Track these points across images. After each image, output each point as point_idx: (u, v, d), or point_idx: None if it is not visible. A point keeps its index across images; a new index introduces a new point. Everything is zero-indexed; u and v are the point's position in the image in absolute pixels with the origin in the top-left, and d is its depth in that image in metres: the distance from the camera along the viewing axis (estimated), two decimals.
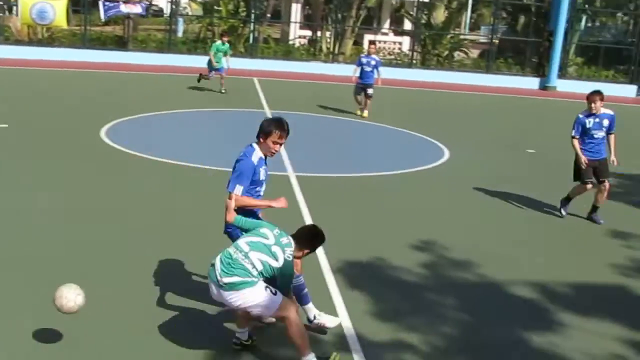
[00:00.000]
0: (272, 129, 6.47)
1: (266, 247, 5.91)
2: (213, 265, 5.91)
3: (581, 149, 11.11)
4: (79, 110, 18.01)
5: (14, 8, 31.88)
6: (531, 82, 31.35)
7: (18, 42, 30.32)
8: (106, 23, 40.41)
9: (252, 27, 31.87)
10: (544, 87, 30.90)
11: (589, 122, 11.07)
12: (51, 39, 30.91)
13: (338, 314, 7.28)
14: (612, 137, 11.28)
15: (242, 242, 5.97)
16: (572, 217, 11.44)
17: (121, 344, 6.34)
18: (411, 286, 8.27)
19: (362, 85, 19.57)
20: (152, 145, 14.42)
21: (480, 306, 7.87)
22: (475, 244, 9.81)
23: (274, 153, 6.58)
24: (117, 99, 20.36)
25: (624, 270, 9.27)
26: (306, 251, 6.19)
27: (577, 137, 11.13)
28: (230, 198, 6.43)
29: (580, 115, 11.16)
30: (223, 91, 22.28)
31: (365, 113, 19.60)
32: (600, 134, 11.11)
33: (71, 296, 5.90)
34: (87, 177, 11.84)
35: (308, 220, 10.12)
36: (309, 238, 6.18)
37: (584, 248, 10.24)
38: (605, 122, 11.11)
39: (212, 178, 12.08)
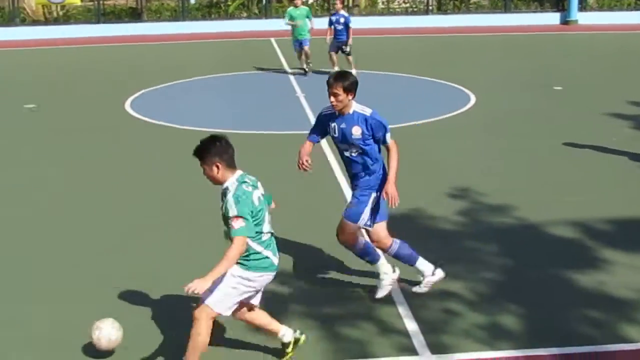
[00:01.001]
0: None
1: None
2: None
3: None
4: (101, 85, 18.04)
5: None
6: (552, 18, 30.75)
7: (35, 22, 30.35)
8: None
9: None
10: (565, 21, 30.31)
11: None
12: (66, 16, 30.89)
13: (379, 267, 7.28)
14: None
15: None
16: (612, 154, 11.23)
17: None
18: (449, 234, 8.25)
19: (337, 44, 18.27)
20: (176, 114, 14.43)
21: (521, 249, 7.83)
22: (512, 188, 9.73)
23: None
24: (137, 71, 20.37)
25: None
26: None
27: None
28: None
29: None
30: (306, 69, 18.73)
31: (353, 71, 18.00)
32: None
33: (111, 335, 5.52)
34: (116, 149, 11.89)
35: (340, 178, 10.12)
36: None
37: (625, 183, 10.08)
38: None
39: (239, 143, 12.05)
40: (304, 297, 6.70)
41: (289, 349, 5.64)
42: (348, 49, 18.21)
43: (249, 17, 31.20)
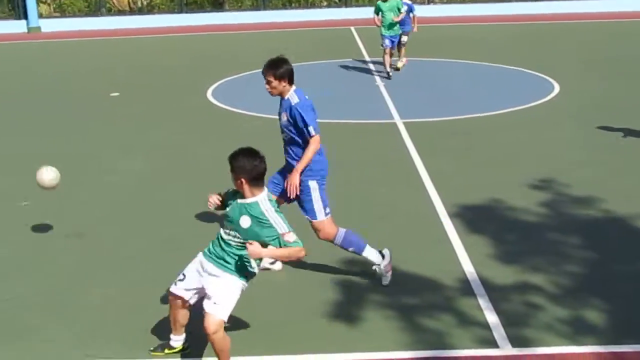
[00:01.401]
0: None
1: None
2: None
3: None
4: (184, 74, 18.34)
5: None
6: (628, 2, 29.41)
7: (120, 12, 31.08)
8: None
9: None
10: None
11: None
12: (150, 6, 31.51)
13: (459, 258, 7.23)
14: None
15: None
16: None
17: None
18: (531, 226, 8.10)
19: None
20: (256, 102, 14.55)
21: (606, 242, 7.64)
22: (596, 179, 9.49)
23: None
24: (219, 59, 20.63)
25: None
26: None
27: None
28: None
29: None
30: (391, 71, 16.61)
31: (400, 63, 17.54)
32: None
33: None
34: (197, 137, 12.08)
35: (420, 167, 10.06)
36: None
37: None
38: None
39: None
40: (382, 286, 6.68)
41: (169, 351, 5.71)
42: (405, 39, 17.11)
43: (329, 6, 31.22)
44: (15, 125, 13.46)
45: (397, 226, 8.12)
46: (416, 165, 10.16)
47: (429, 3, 30.49)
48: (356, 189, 9.34)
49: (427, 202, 8.80)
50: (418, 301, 6.44)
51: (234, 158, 5.26)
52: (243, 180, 5.20)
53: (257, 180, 5.24)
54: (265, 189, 5.36)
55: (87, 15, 30.27)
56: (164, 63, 20.44)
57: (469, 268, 7.00)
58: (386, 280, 6.66)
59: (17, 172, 10.50)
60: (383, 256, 6.65)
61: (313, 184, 6.56)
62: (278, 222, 5.22)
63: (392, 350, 5.71)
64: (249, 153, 5.24)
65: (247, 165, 5.19)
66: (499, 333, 5.85)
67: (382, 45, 16.32)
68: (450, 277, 6.82)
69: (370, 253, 6.62)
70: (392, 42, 16.34)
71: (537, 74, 16.47)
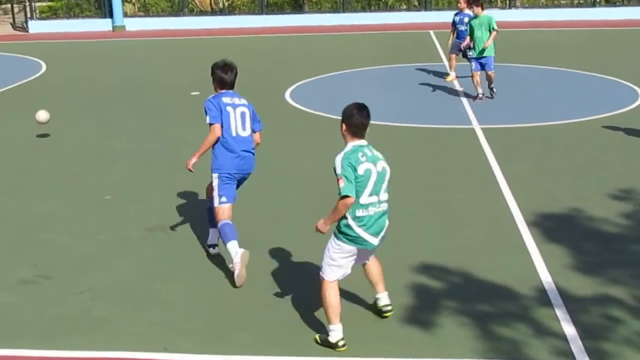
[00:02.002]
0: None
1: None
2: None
3: None
4: (263, 74, 18.53)
5: None
6: None
7: (202, 12, 31.60)
8: None
9: None
10: None
11: None
12: (231, 7, 31.93)
13: (536, 267, 7.14)
14: None
15: None
16: None
17: None
18: (612, 237, 7.93)
19: (458, 45, 16.26)
20: (337, 104, 14.56)
21: None
22: None
23: None
24: (297, 61, 20.77)
25: None
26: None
27: None
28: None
29: None
30: (483, 97, 14.50)
31: (450, 77, 16.68)
32: None
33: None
34: (274, 138, 12.19)
35: (498, 174, 9.95)
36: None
37: None
38: None
39: (396, 135, 12.12)
40: (457, 293, 6.65)
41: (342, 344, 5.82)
42: (471, 52, 15.60)
43: (408, 9, 31.09)
44: (99, 122, 13.83)
45: (474, 232, 8.05)
46: (494, 171, 10.05)
47: (510, 7, 30.09)
48: (433, 194, 9.30)
49: (505, 209, 8.70)
50: (493, 309, 6.39)
51: (346, 107, 5.83)
52: (345, 126, 5.72)
53: (357, 130, 5.70)
54: (360, 141, 5.74)
55: (170, 14, 30.87)
56: (243, 63, 20.58)
57: (546, 277, 6.90)
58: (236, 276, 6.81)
59: (101, 167, 10.82)
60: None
61: (214, 176, 7.33)
62: (337, 165, 5.63)
63: (466, 357, 5.67)
64: (357, 105, 5.79)
65: (352, 114, 5.71)
66: (576, 345, 5.75)
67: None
68: (527, 285, 6.74)
69: (231, 247, 6.92)
70: (482, 65, 14.42)
71: (620, 80, 16.06)
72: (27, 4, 31.12)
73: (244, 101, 7.92)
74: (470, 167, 10.41)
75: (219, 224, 7.20)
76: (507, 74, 17.82)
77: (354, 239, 5.69)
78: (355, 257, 5.83)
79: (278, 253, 7.65)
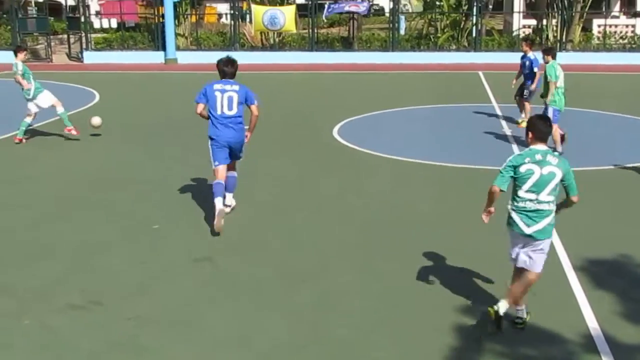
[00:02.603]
0: None
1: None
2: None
3: None
4: (312, 109, 18.72)
5: (247, 17, 33.78)
6: None
7: (253, 48, 32.07)
8: (331, 25, 41.76)
9: (474, 20, 31.44)
10: None
11: None
12: (282, 43, 32.37)
13: (583, 313, 7.04)
14: None
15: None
16: None
17: None
18: None
19: (521, 87, 16.32)
20: (383, 142, 14.67)
21: None
22: None
23: None
24: (346, 97, 20.94)
25: None
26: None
27: None
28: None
29: None
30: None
31: (521, 120, 16.16)
32: None
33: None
34: (320, 173, 12.29)
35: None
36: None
37: None
38: None
39: (442, 174, 12.12)
40: (502, 336, 6.58)
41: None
42: (527, 93, 15.98)
43: (457, 50, 31.20)
44: (150, 151, 14.07)
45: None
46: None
47: (561, 50, 29.99)
48: (480, 236, 9.25)
49: (552, 252, 8.60)
50: (538, 353, 6.31)
51: (530, 118, 6.94)
52: (529, 133, 6.59)
53: (540, 135, 6.59)
54: (538, 145, 6.57)
55: (221, 49, 31.38)
56: (292, 98, 20.94)
57: (593, 324, 6.80)
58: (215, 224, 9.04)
59: (150, 196, 10.99)
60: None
61: (209, 143, 9.57)
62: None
63: None
64: (538, 115, 6.91)
65: (536, 125, 6.61)
66: None
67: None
68: (574, 331, 6.65)
69: (216, 202, 9.20)
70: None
71: None
72: (83, 35, 31.93)
73: (235, 87, 9.81)
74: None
75: (214, 182, 9.44)
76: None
77: (509, 222, 6.63)
78: (519, 247, 6.66)
79: (323, 286, 7.67)
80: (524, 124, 15.64)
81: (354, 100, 20.23)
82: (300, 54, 30.70)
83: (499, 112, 17.98)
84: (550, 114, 13.00)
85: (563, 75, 13.55)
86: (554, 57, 13.81)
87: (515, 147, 14.00)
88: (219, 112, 9.49)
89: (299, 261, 8.33)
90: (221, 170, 9.48)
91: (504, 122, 16.58)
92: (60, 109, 14.86)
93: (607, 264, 8.31)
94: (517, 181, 6.55)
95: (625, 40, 31.60)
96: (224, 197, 9.53)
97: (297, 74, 26.67)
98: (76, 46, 33.10)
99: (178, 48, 30.75)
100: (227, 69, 9.97)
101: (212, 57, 30.88)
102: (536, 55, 15.87)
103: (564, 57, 28.75)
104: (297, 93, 22.15)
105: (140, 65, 29.06)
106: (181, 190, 11.27)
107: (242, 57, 29.62)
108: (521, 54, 16.43)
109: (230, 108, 9.57)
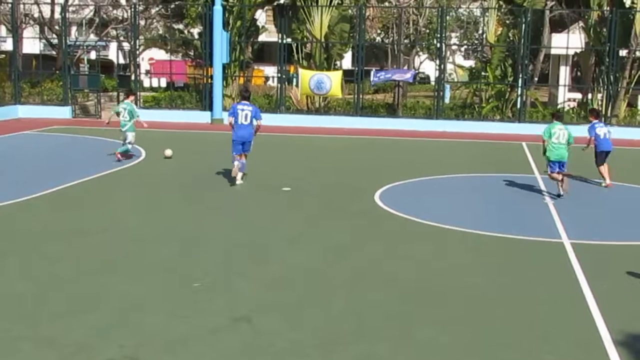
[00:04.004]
0: None
1: None
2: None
3: None
4: (354, 174, 18.87)
5: (294, 80, 34.37)
6: None
7: (298, 111, 32.56)
8: (376, 91, 42.26)
9: (519, 92, 31.59)
10: None
11: None
12: (327, 107, 32.81)
13: None
14: None
15: None
16: None
17: None
18: None
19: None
20: (425, 209, 14.72)
21: None
22: None
23: None
24: (390, 163, 21.10)
25: None
26: None
27: None
28: None
29: None
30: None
31: (604, 182, 17.97)
32: None
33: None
34: (361, 238, 12.35)
35: (586, 291, 9.78)
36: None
37: None
38: None
39: (483, 242, 12.11)
40: None
41: None
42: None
43: (501, 120, 31.31)
44: (192, 208, 14.30)
45: (560, 350, 7.90)
46: (582, 287, 9.89)
47: (606, 124, 29.85)
48: (519, 307, 9.21)
49: (592, 327, 8.53)
50: None
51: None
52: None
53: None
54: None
55: (267, 111, 31.94)
56: (336, 162, 21.15)
57: None
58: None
59: (192, 253, 11.16)
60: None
61: (232, 142, 16.66)
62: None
63: None
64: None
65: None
66: None
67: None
68: None
69: (235, 162, 16.45)
70: None
71: None
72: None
73: (250, 107, 16.51)
74: (557, 281, 10.27)
75: (234, 161, 16.48)
76: (601, 191, 17.66)
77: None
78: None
79: (358, 352, 7.68)
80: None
81: (398, 166, 20.39)
82: (345, 119, 31.08)
83: (541, 183, 17.95)
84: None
85: (562, 133, 16.03)
86: (557, 119, 16.70)
87: (556, 217, 13.95)
88: (240, 122, 16.29)
89: (332, 326, 8.36)
90: (237, 157, 16.44)
91: (545, 194, 16.54)
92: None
93: None
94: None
95: None
96: (238, 163, 16.37)
97: (342, 138, 26.96)
98: None
99: (225, 108, 31.31)
100: (245, 94, 17.09)
101: None
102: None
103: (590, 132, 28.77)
104: (340, 156, 22.37)
105: (187, 124, 29.62)
106: (224, 250, 11.41)
107: (288, 120, 30.46)
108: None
109: (245, 120, 16.31)
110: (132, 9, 33.53)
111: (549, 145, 16.00)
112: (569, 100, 34.68)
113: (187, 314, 8.65)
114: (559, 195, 15.84)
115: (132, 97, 20.79)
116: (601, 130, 18.15)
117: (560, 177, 15.86)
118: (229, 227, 12.95)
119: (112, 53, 52.93)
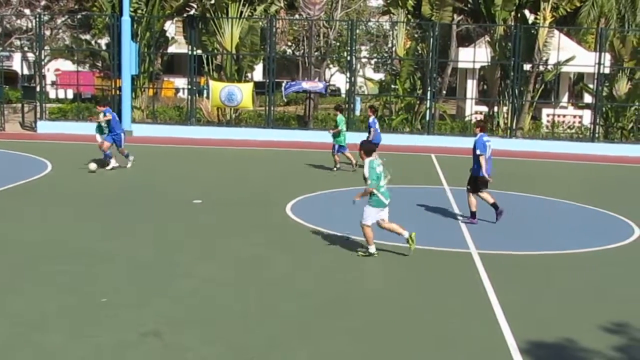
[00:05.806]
0: None
1: None
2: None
3: None
4: (265, 186, 18.82)
5: (205, 92, 34.10)
6: None
7: (209, 123, 32.28)
8: (287, 103, 42.34)
9: (428, 104, 32.16)
10: None
11: None
12: (238, 119, 32.65)
13: None
14: None
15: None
16: None
17: None
18: None
19: None
20: (334, 220, 14.79)
21: None
22: None
23: None
24: (301, 175, 21.12)
25: None
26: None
27: None
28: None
29: None
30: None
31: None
32: None
33: None
34: (273, 249, 12.31)
35: (492, 298, 9.99)
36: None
37: None
38: None
39: (391, 253, 12.23)
40: None
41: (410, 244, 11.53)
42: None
43: (411, 132, 31.78)
44: (97, 224, 13.98)
45: (464, 357, 8.04)
46: (489, 297, 10.10)
47: (510, 137, 30.75)
48: (427, 318, 9.33)
49: (499, 335, 8.72)
50: None
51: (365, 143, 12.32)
52: (361, 152, 11.31)
53: (369, 152, 12.06)
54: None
55: (177, 123, 31.62)
56: (247, 174, 21.05)
57: None
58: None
59: (97, 269, 10.88)
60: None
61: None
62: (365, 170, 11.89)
63: None
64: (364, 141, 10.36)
65: (367, 147, 11.97)
66: None
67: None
68: None
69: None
70: None
71: (616, 215, 16.31)
72: (38, 104, 31.80)
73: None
74: (466, 291, 10.46)
75: None
76: (505, 201, 18.10)
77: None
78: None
79: None
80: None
81: (308, 178, 20.42)
82: (257, 131, 30.99)
83: (449, 195, 18.30)
84: None
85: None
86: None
87: (465, 229, 14.22)
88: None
89: (246, 340, 8.29)
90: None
91: (454, 204, 16.85)
92: None
93: (551, 347, 8.43)
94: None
95: (573, 130, 32.57)
96: None
97: (252, 150, 26.87)
98: (30, 115, 32.96)
99: (134, 120, 30.79)
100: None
101: (168, 131, 31.33)
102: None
103: (514, 144, 29.60)
104: (251, 169, 22.29)
105: (94, 137, 28.93)
106: (130, 265, 11.18)
107: (198, 132, 30.17)
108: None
109: None
110: (37, 19, 32.64)
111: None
112: (476, 113, 35.49)
113: (94, 330, 8.42)
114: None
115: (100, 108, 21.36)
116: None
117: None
118: (138, 240, 12.70)
119: (17, 63, 51.38)
